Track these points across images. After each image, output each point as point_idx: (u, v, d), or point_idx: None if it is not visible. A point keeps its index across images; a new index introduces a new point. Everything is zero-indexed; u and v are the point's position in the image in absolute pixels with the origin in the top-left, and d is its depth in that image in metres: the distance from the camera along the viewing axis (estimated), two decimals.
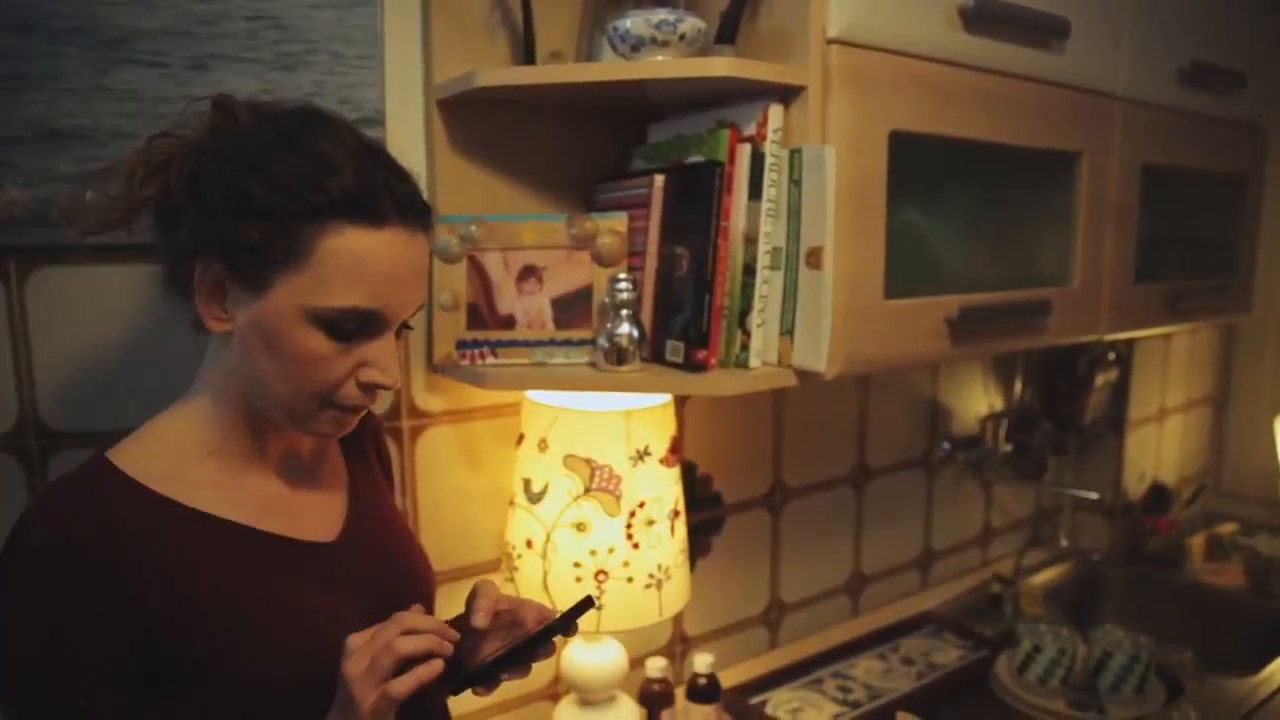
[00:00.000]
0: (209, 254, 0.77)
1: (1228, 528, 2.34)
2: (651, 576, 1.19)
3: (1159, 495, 2.35)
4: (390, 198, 0.77)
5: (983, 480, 2.11)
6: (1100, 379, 2.15)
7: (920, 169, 1.19)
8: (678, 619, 1.60)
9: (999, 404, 2.12)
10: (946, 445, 2.00)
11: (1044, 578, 2.09)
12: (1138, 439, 2.38)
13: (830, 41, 1.06)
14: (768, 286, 1.11)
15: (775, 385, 1.11)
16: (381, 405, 1.22)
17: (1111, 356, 2.17)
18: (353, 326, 0.77)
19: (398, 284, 0.78)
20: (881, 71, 1.10)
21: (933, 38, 1.15)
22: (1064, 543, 2.23)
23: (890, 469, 1.91)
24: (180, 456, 0.81)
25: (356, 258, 0.75)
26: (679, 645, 1.61)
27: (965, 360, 2.00)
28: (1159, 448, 2.48)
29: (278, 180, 0.75)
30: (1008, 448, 2.09)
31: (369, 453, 1.02)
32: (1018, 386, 2.15)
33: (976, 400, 2.07)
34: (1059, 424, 2.16)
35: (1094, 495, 1.94)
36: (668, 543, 1.21)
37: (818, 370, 1.08)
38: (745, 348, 1.11)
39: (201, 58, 1.08)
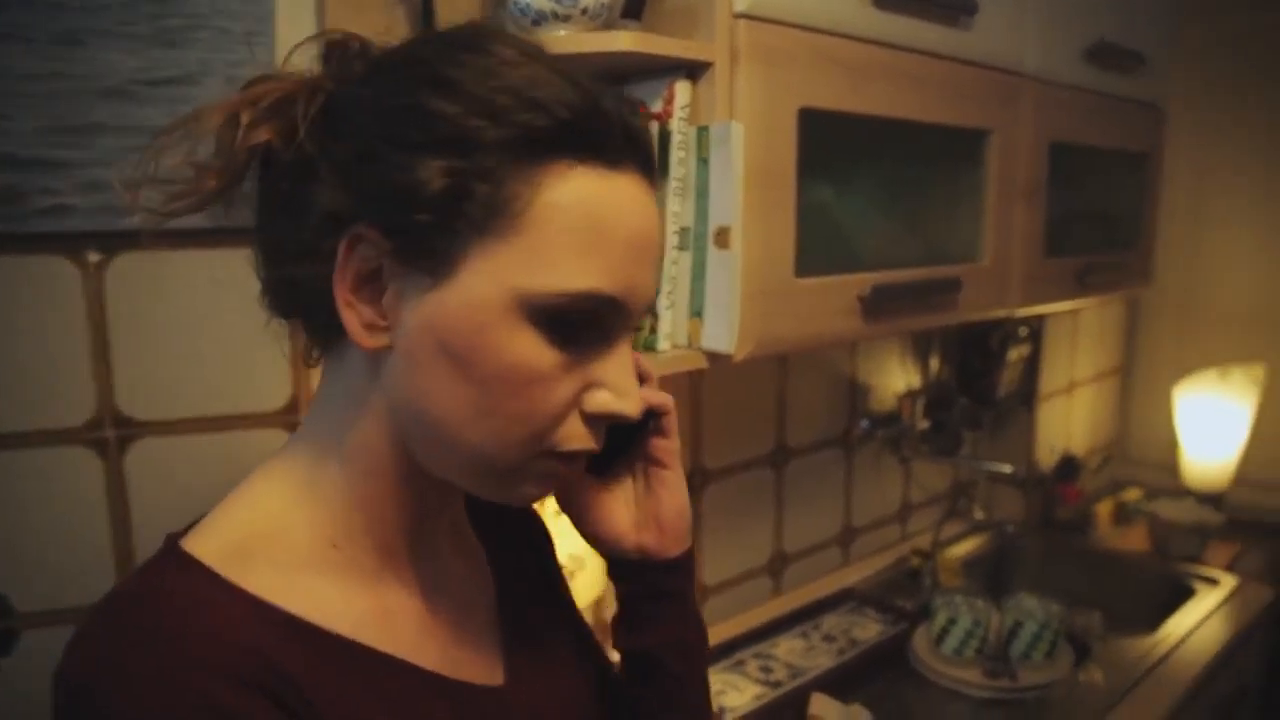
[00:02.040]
0: (360, 219, 0.51)
1: (1132, 494, 2.43)
2: (565, 566, 1.16)
3: (1069, 465, 2.42)
4: (624, 130, 0.53)
5: (901, 457, 2.13)
6: (1013, 354, 2.19)
7: (831, 147, 1.18)
8: (596, 606, 1.58)
9: (916, 381, 2.15)
10: (866, 423, 2.02)
11: (961, 550, 2.14)
12: (1048, 411, 2.45)
13: (737, 16, 1.03)
14: (676, 267, 1.09)
15: (684, 368, 1.10)
16: None
17: (1023, 332, 2.22)
18: (585, 322, 0.52)
19: (644, 259, 0.54)
20: (790, 47, 1.09)
21: (842, 13, 1.14)
22: (979, 515, 2.28)
23: (810, 448, 1.92)
24: (289, 551, 0.54)
25: (591, 215, 0.51)
26: (600, 634, 1.59)
27: (881, 338, 2.02)
28: (1069, 419, 2.56)
29: (474, 92, 0.50)
30: (925, 424, 2.12)
31: (537, 539, 0.79)
32: (934, 364, 2.18)
33: (894, 378, 2.10)
34: (974, 399, 2.20)
35: (1008, 468, 1.98)
36: None
37: (727, 352, 1.07)
38: (653, 330, 1.09)
39: (72, 31, 1.01)
